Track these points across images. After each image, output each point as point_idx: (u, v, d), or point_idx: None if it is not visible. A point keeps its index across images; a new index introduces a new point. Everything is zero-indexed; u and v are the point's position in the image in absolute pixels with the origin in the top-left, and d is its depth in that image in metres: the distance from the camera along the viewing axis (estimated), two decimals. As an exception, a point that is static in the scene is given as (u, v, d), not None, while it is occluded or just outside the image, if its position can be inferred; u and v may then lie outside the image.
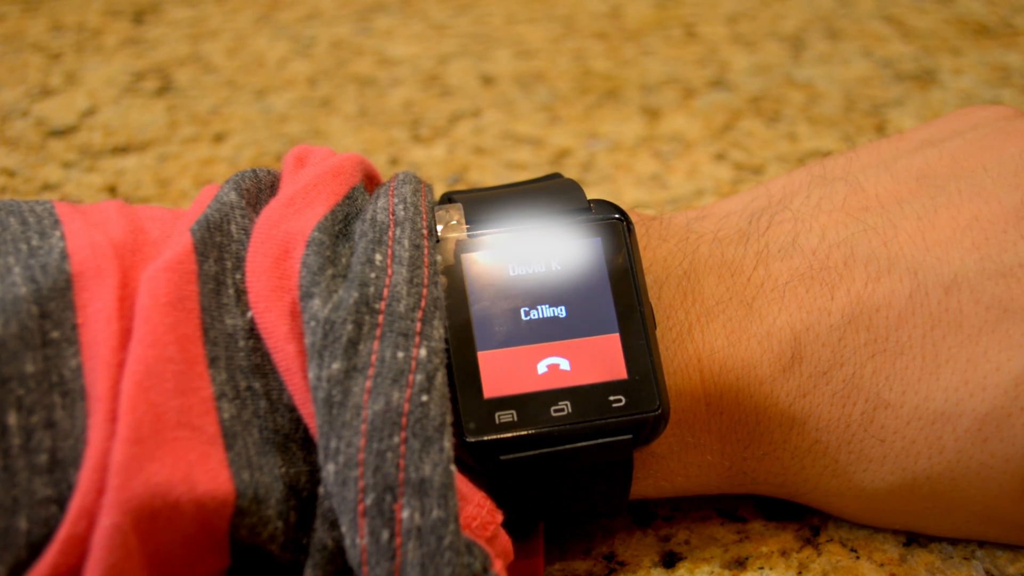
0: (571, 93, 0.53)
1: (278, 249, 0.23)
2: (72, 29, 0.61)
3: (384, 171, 0.45)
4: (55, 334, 0.21)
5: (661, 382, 0.24)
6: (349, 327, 0.21)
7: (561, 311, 0.24)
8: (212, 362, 0.21)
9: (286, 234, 0.23)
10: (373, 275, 0.22)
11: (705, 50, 0.58)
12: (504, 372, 0.23)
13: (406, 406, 0.21)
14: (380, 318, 0.22)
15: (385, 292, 0.22)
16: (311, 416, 0.22)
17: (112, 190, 0.44)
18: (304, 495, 0.22)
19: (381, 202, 0.24)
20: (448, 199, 0.26)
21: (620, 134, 0.49)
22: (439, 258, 0.24)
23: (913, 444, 0.24)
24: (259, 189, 0.25)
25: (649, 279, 0.26)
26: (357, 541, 0.20)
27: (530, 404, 0.23)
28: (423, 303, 0.22)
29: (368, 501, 0.20)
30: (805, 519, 0.28)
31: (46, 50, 0.59)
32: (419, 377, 0.21)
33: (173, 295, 0.21)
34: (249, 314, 0.22)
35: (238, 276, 0.23)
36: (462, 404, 0.23)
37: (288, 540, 0.22)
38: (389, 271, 0.22)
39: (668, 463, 0.26)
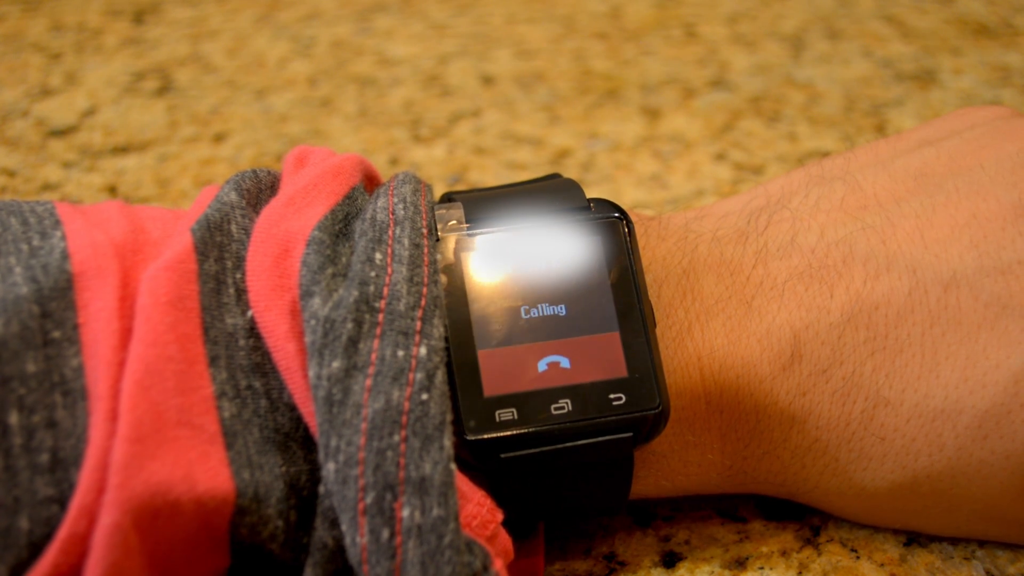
0: (571, 93, 0.53)
1: (278, 248, 0.23)
2: (72, 29, 0.62)
3: (384, 171, 0.45)
4: (56, 334, 0.21)
5: (661, 380, 0.24)
6: (349, 326, 0.21)
7: (561, 309, 0.24)
8: (212, 361, 0.22)
9: (286, 233, 0.23)
10: (373, 274, 0.22)
11: (705, 50, 0.58)
12: (504, 370, 0.23)
13: (406, 404, 0.21)
14: (380, 317, 0.22)
15: (385, 291, 0.22)
16: (311, 415, 0.22)
17: (112, 190, 0.44)
18: (304, 494, 0.22)
19: (381, 201, 0.24)
20: (448, 199, 0.26)
21: (620, 134, 0.49)
22: (439, 257, 0.24)
23: (913, 442, 0.24)
24: (259, 189, 0.25)
25: (648, 278, 0.26)
26: (357, 540, 0.20)
27: (530, 402, 0.23)
28: (423, 302, 0.22)
29: (368, 499, 0.20)
30: (805, 519, 0.28)
31: (46, 50, 0.59)
32: (419, 375, 0.21)
33: (173, 294, 0.21)
34: (249, 313, 0.23)
35: (238, 275, 0.23)
36: (462, 402, 0.23)
37: (288, 539, 0.22)
38: (389, 270, 0.22)
39: (668, 462, 0.26)
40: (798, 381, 0.25)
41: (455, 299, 0.24)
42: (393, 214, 0.24)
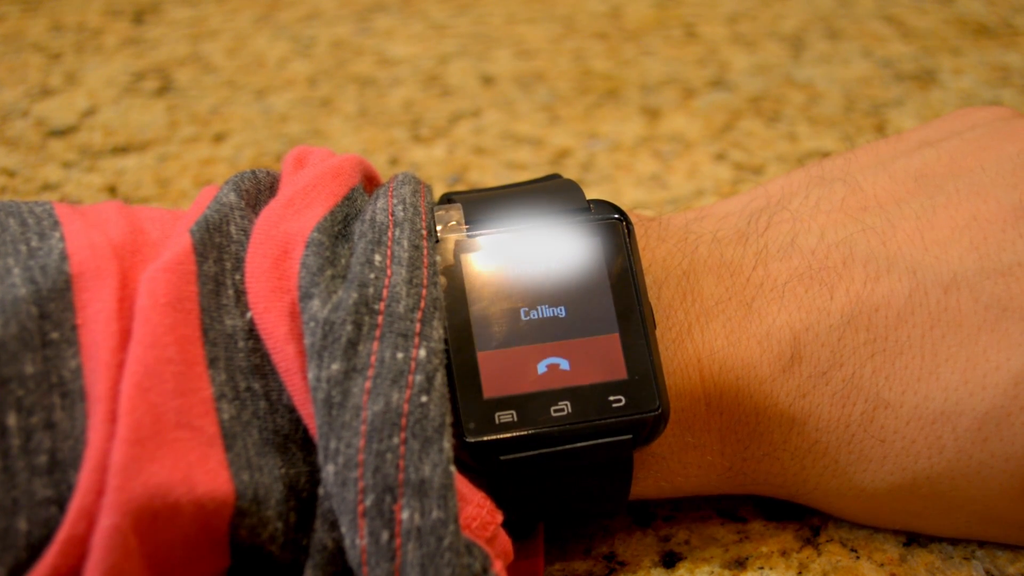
0: (571, 93, 0.53)
1: (277, 250, 0.23)
2: (72, 29, 0.61)
3: (384, 171, 0.45)
4: (55, 335, 0.21)
5: (661, 382, 0.24)
6: (348, 328, 0.21)
7: (561, 311, 0.24)
8: (211, 363, 0.21)
9: (285, 235, 0.23)
10: (372, 276, 0.22)
11: (705, 50, 0.58)
12: (504, 372, 0.23)
13: (405, 407, 0.21)
14: (379, 319, 0.22)
15: (384, 293, 0.22)
16: (311, 417, 0.22)
17: (112, 190, 0.44)
18: (304, 496, 0.22)
19: (380, 203, 0.24)
20: (447, 200, 0.26)
21: (620, 134, 0.49)
22: (438, 258, 0.24)
23: (913, 444, 0.24)
24: (258, 190, 0.25)
25: (648, 279, 0.26)
26: (357, 542, 0.20)
27: (530, 404, 0.23)
28: (422, 304, 0.22)
29: (368, 502, 0.20)
30: (805, 519, 0.28)
31: (46, 50, 0.59)
32: (418, 378, 0.21)
33: (172, 296, 0.21)
34: (248, 315, 0.22)
35: (237, 277, 0.23)
36: (462, 404, 0.23)
37: (288, 541, 0.22)
38: (388, 272, 0.22)
39: (668, 463, 0.26)
40: (798, 383, 0.25)
41: (455, 301, 0.24)
42: (392, 215, 0.24)
